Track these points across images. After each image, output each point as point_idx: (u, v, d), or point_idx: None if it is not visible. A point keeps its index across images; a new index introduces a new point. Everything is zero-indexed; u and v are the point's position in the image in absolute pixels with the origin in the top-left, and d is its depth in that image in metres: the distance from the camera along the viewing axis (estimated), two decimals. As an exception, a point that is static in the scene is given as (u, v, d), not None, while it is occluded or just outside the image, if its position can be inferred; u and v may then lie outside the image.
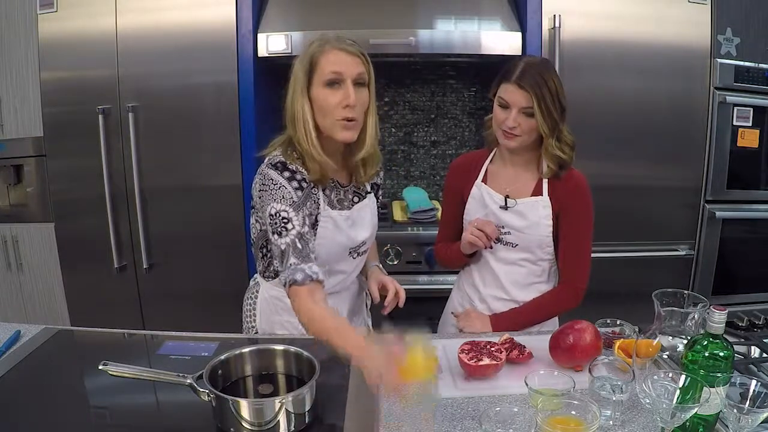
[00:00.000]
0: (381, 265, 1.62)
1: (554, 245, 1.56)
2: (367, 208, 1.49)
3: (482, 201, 1.58)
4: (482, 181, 1.60)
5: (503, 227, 1.55)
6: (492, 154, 1.62)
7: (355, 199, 1.47)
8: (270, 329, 1.52)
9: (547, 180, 1.53)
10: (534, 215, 1.52)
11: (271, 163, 1.34)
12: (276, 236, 1.27)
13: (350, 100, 1.28)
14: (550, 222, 1.52)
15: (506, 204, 1.54)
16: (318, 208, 1.37)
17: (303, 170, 1.34)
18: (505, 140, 1.49)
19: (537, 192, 1.53)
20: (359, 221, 1.46)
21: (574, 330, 1.30)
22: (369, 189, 1.52)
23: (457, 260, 1.65)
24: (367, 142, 1.37)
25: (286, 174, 1.32)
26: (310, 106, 1.31)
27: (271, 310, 1.51)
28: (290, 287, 1.23)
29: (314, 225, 1.36)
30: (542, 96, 1.41)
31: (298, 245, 1.25)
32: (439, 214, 2.60)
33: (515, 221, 1.54)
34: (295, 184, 1.31)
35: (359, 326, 1.62)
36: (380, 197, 1.60)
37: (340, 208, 1.43)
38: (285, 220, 1.27)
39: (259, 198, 1.34)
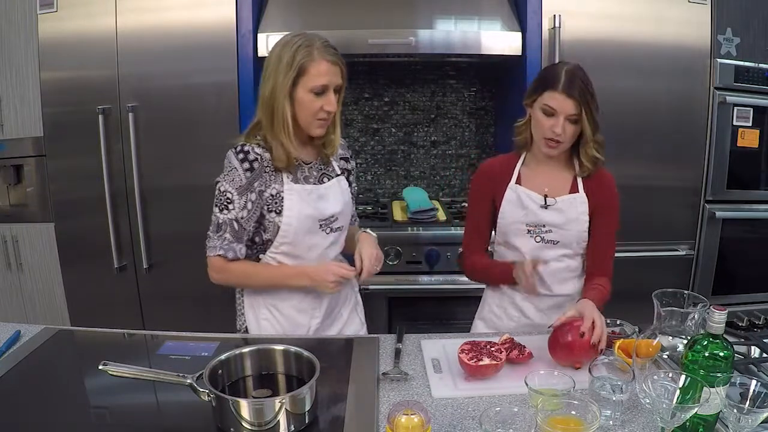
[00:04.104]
0: (370, 230, 1.62)
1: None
2: (336, 187, 1.56)
3: (519, 202, 1.60)
4: (516, 183, 1.62)
5: (544, 226, 1.58)
6: (523, 157, 1.64)
7: (324, 179, 1.55)
8: (257, 323, 1.56)
9: (581, 178, 1.58)
10: (573, 212, 1.57)
11: (233, 147, 1.46)
12: (217, 209, 1.47)
13: (332, 107, 1.43)
14: (587, 218, 1.57)
15: (546, 203, 1.57)
16: (275, 183, 1.47)
17: (258, 150, 1.45)
18: (548, 149, 1.52)
19: (573, 189, 1.58)
20: (326, 196, 1.53)
21: (573, 327, 1.31)
22: (339, 172, 1.59)
23: (500, 282, 1.65)
24: (337, 134, 1.54)
25: (240, 156, 1.44)
26: (291, 104, 1.41)
27: (259, 304, 1.57)
28: (218, 258, 1.46)
29: (273, 199, 1.46)
30: (587, 102, 1.46)
31: (235, 226, 1.46)
32: (438, 214, 2.60)
33: (556, 219, 1.57)
34: (246, 165, 1.43)
35: (354, 322, 1.67)
36: (353, 182, 1.66)
37: (305, 183, 1.51)
38: (228, 201, 1.45)
39: None
